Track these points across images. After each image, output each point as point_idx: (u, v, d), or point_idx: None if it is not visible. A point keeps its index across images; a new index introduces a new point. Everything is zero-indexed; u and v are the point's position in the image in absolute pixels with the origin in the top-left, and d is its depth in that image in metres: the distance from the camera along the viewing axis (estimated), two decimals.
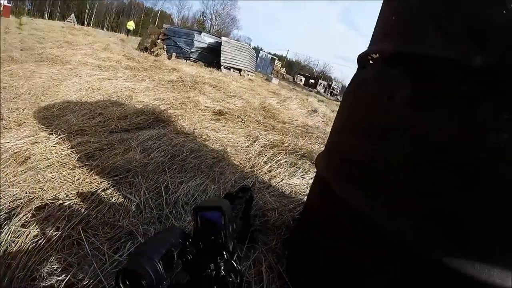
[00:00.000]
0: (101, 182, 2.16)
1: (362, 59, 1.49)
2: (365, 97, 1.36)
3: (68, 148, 2.59)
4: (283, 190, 2.77)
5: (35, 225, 1.66)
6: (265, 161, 3.29)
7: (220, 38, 15.90)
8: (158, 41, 14.06)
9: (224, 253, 0.78)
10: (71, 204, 1.88)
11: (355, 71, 1.60)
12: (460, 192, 0.96)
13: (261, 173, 3.01)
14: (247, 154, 3.40)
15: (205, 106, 5.15)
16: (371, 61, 1.40)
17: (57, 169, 2.25)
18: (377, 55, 1.34)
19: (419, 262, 1.04)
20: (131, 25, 26.74)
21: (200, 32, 15.82)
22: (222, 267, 0.75)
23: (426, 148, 1.03)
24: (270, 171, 3.11)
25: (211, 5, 50.49)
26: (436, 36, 1.03)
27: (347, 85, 1.73)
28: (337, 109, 1.79)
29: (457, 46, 0.97)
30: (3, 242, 1.53)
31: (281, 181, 2.96)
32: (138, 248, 0.67)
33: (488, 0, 0.93)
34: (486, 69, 0.90)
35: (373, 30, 1.59)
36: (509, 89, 0.88)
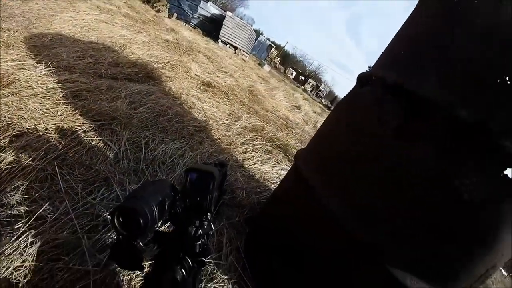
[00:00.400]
0: (83, 124, 2.16)
1: (363, 79, 1.58)
2: (358, 113, 1.48)
3: (55, 82, 2.55)
4: (254, 174, 2.87)
5: (12, 152, 1.65)
6: (242, 142, 3.38)
7: (225, 11, 15.64)
8: None
9: (209, 214, 0.86)
10: (50, 138, 1.88)
11: (354, 86, 1.69)
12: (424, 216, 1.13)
13: (236, 153, 3.09)
14: (227, 131, 3.46)
15: (196, 75, 5.12)
16: (370, 82, 1.50)
17: (41, 101, 2.22)
18: (379, 80, 1.43)
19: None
20: None
21: (207, 1, 15.49)
22: (205, 226, 0.84)
23: (402, 172, 1.18)
24: (245, 153, 3.20)
25: None
26: (435, 81, 1.16)
27: (334, 91, 1.84)
28: (329, 114, 1.90)
29: (451, 96, 1.11)
30: None
31: (253, 164, 3.05)
32: (135, 191, 0.72)
33: (487, 64, 1.07)
34: (470, 121, 1.05)
35: (378, 51, 1.71)
36: (482, 144, 1.05)
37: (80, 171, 1.75)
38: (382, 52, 1.67)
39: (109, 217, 1.52)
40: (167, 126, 2.69)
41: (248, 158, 3.12)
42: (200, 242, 0.82)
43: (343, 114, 1.68)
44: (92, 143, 2.01)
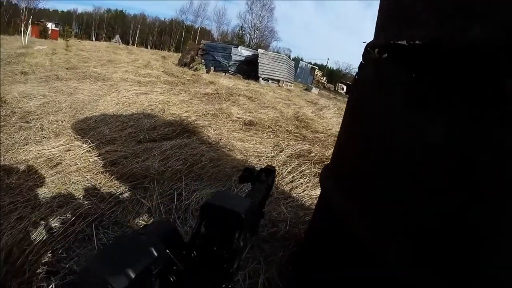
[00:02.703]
0: (119, 187, 2.34)
1: (364, 57, 1.33)
2: (364, 99, 1.26)
3: (96, 156, 2.81)
4: (303, 201, 2.74)
5: (54, 219, 1.86)
6: (289, 171, 3.27)
7: (257, 50, 16.12)
8: (197, 56, 14.50)
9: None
10: (90, 204, 2.06)
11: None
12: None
13: (283, 184, 2.99)
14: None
15: (237, 117, 5.25)
16: (368, 58, 1.27)
17: (83, 174, 2.47)
18: (374, 51, 1.19)
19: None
20: None
21: (236, 46, 16.17)
22: None
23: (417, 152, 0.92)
24: (292, 182, 3.08)
25: (249, 19, 50.61)
26: (427, 17, 0.93)
27: None
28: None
29: (448, 24, 0.87)
30: (23, 230, 1.72)
31: (303, 192, 2.92)
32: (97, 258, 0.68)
33: None
34: (482, 43, 0.77)
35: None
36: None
37: (114, 229, 1.90)
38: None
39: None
40: (201, 174, 2.75)
41: (296, 187, 3.00)
42: None
43: (352, 107, 1.41)
44: (127, 203, 2.14)
